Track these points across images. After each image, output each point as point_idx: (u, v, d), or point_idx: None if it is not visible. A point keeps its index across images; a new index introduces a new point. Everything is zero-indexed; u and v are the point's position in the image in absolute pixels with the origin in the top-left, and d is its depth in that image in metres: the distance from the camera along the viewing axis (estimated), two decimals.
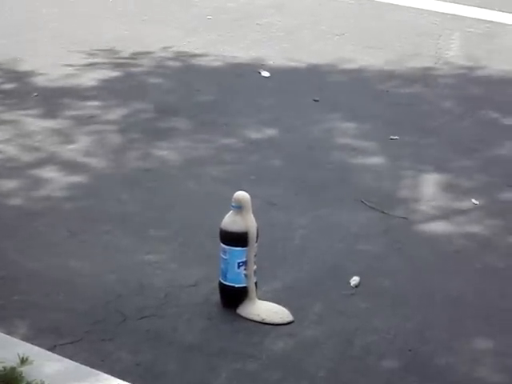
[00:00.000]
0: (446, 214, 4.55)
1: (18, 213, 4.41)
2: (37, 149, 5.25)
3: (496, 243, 4.27)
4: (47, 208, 4.47)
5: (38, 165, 5.02)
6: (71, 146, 5.28)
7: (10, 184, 4.75)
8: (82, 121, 5.73)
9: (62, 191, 4.68)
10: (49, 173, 4.90)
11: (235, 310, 3.53)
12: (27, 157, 5.12)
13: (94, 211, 4.45)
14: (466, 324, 3.53)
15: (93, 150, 5.24)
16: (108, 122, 5.73)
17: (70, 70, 6.74)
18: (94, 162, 5.08)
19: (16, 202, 4.55)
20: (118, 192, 4.69)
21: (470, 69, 7.11)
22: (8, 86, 6.41)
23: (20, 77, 6.59)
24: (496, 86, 6.75)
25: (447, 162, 5.23)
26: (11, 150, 5.20)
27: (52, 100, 6.10)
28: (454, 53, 7.52)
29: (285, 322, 3.47)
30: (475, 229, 4.40)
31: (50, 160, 5.09)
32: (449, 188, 4.87)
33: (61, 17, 8.13)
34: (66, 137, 5.45)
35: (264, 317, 3.48)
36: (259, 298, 3.58)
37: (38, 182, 4.79)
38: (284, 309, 3.53)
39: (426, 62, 7.22)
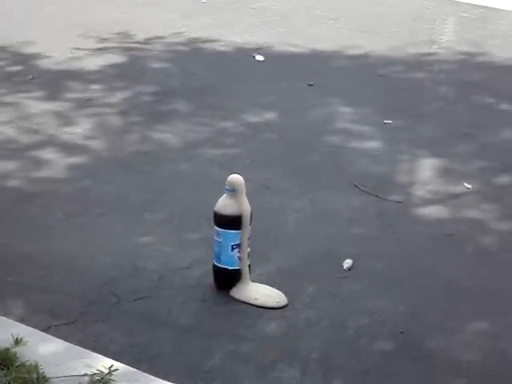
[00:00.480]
0: (439, 198, 4.57)
1: (15, 195, 4.42)
2: (36, 131, 5.27)
3: (489, 227, 4.30)
4: (44, 190, 4.49)
5: (37, 147, 5.04)
6: (71, 129, 5.30)
7: (9, 165, 4.76)
8: (83, 103, 5.75)
9: (60, 173, 4.70)
10: (47, 155, 4.92)
11: (228, 293, 3.55)
12: (27, 139, 5.14)
13: (90, 194, 4.47)
14: (458, 307, 3.55)
15: (92, 133, 5.26)
16: (108, 105, 5.74)
17: (69, 53, 6.75)
18: (93, 144, 5.10)
19: (13, 183, 4.56)
20: (115, 174, 4.71)
21: (465, 54, 7.12)
22: (11, 69, 6.42)
23: (23, 59, 6.60)
24: (490, 70, 6.77)
25: (442, 147, 5.25)
26: (11, 132, 5.22)
27: (53, 83, 6.12)
28: (448, 37, 7.54)
29: (279, 305, 3.49)
30: (469, 213, 4.43)
31: (50, 142, 5.11)
32: (443, 172, 4.89)
33: (56, 0, 8.15)
34: (66, 119, 5.47)
35: (259, 300, 3.50)
36: (253, 281, 3.60)
37: (37, 164, 4.81)
38: (279, 292, 3.55)
39: (421, 47, 7.23)
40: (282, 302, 3.51)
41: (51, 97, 5.87)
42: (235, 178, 3.55)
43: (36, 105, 5.70)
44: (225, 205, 3.53)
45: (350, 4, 8.61)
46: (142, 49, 7.03)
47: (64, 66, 6.49)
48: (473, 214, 4.42)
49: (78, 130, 5.30)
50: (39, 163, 4.83)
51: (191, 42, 7.30)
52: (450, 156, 5.12)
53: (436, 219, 4.33)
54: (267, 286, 3.60)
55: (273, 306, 3.48)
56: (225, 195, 3.54)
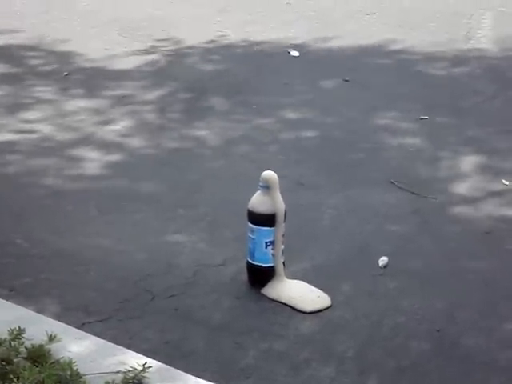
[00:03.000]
0: (477, 195, 4.51)
1: (50, 191, 4.44)
2: (73, 128, 5.30)
3: None
4: (79, 187, 4.51)
5: (74, 144, 5.07)
6: (108, 126, 5.33)
7: (45, 163, 4.79)
8: (119, 101, 5.77)
9: (95, 170, 4.72)
10: (84, 152, 4.95)
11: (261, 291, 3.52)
12: (63, 136, 5.17)
13: (124, 190, 4.47)
14: (496, 305, 3.49)
15: (129, 130, 5.29)
16: (144, 103, 5.77)
17: (105, 50, 6.78)
18: (129, 141, 5.12)
19: (49, 181, 4.58)
20: (150, 172, 4.71)
21: (502, 49, 7.04)
22: (47, 67, 6.46)
23: (60, 57, 6.64)
24: None
25: (480, 143, 5.18)
26: (48, 130, 5.25)
27: (90, 80, 6.16)
28: (486, 32, 7.46)
29: (316, 309, 3.40)
30: (507, 210, 4.36)
31: (86, 139, 5.14)
32: (481, 169, 4.83)
33: None
34: (102, 117, 5.50)
35: (294, 302, 3.43)
36: (287, 278, 3.57)
37: (73, 162, 4.83)
38: (318, 291, 3.48)
39: (458, 42, 7.17)
40: (318, 304, 3.43)
41: (88, 94, 5.90)
42: (269, 174, 3.52)
43: (73, 102, 5.73)
44: (259, 202, 3.51)
45: None
46: (176, 45, 7.04)
47: (100, 64, 6.52)
48: (511, 211, 4.35)
49: (115, 127, 5.32)
50: (75, 160, 4.85)
51: (226, 38, 7.29)
52: (489, 152, 5.06)
53: (473, 216, 4.27)
54: (306, 285, 3.55)
55: (309, 310, 3.40)
56: (259, 192, 3.52)
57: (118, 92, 5.93)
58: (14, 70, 6.46)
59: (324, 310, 3.40)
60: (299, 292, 3.51)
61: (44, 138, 5.12)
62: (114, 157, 4.90)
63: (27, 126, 5.31)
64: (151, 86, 6.09)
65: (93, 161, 4.83)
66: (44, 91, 5.94)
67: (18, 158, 4.87)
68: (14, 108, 5.64)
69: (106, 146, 5.04)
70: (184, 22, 7.68)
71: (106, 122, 5.40)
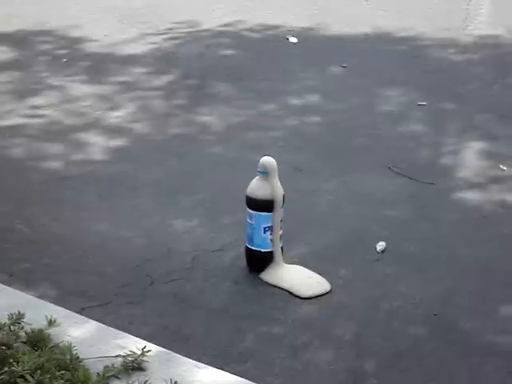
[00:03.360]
0: (474, 180, 4.52)
1: (51, 177, 4.46)
2: (80, 114, 5.32)
3: None
4: (81, 172, 4.53)
5: (80, 129, 5.09)
6: (114, 112, 5.36)
7: (50, 147, 4.83)
8: (126, 87, 5.79)
9: (99, 155, 4.74)
10: (89, 137, 4.97)
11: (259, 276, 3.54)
12: (70, 121, 5.20)
13: (126, 176, 4.50)
14: (492, 289, 3.51)
15: (135, 116, 5.31)
16: (150, 89, 5.80)
17: (107, 37, 6.79)
18: (134, 127, 5.15)
19: (51, 165, 4.61)
20: (152, 157, 4.74)
21: (499, 35, 7.05)
22: (53, 52, 6.48)
23: (65, 43, 6.66)
24: None
25: (478, 129, 5.20)
26: (55, 115, 5.28)
27: (96, 66, 6.19)
28: (483, 18, 7.47)
29: (314, 295, 3.42)
30: (504, 195, 4.37)
31: (92, 125, 5.16)
32: (479, 155, 4.84)
33: None
34: (109, 102, 5.52)
35: (292, 287, 3.45)
36: (285, 263, 3.59)
37: (77, 147, 4.86)
38: (317, 278, 3.50)
39: (456, 28, 7.17)
40: (316, 289, 3.45)
41: (94, 80, 5.92)
42: (267, 160, 3.53)
43: (79, 88, 5.75)
44: (257, 187, 3.52)
45: None
46: (177, 32, 7.04)
47: (104, 50, 6.53)
48: (509, 196, 4.37)
49: (121, 113, 5.34)
50: (80, 145, 4.87)
51: (225, 24, 7.30)
52: (487, 138, 5.07)
53: (471, 202, 4.29)
54: (304, 270, 3.57)
55: (307, 295, 3.42)
56: (257, 177, 3.53)
57: (125, 78, 5.95)
58: (20, 56, 6.47)
59: (322, 295, 3.42)
60: (297, 277, 3.53)
61: (51, 123, 5.15)
62: (119, 142, 4.92)
63: (33, 112, 5.33)
64: (155, 73, 6.10)
65: (98, 146, 4.86)
66: (51, 77, 5.96)
67: (22, 142, 4.89)
68: (21, 93, 5.66)
69: (112, 131, 5.06)
70: (183, 9, 7.68)
71: (113, 108, 5.42)
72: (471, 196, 4.34)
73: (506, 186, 4.47)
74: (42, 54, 6.50)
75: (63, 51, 6.50)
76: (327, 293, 3.44)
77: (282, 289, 3.45)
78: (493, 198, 4.34)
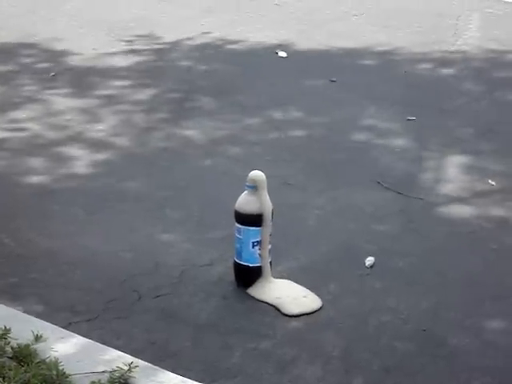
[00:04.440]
0: (463, 195, 4.53)
1: (37, 191, 4.44)
2: (62, 127, 5.31)
3: None
4: (66, 186, 4.51)
5: (62, 143, 5.07)
6: (96, 125, 5.33)
7: (33, 162, 4.80)
8: (108, 100, 5.77)
9: (83, 170, 4.72)
10: (72, 151, 4.95)
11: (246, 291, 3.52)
12: (52, 135, 5.18)
13: (112, 190, 4.47)
14: (480, 304, 3.51)
15: (117, 130, 5.30)
16: (133, 102, 5.78)
17: (93, 50, 6.78)
18: (117, 140, 5.13)
19: (36, 179, 4.58)
20: (138, 171, 4.72)
21: (489, 50, 7.08)
22: (37, 66, 6.47)
23: (49, 56, 6.65)
24: None
25: (466, 144, 5.21)
26: (37, 128, 5.26)
27: (79, 80, 6.17)
28: (472, 34, 7.49)
29: (301, 313, 3.39)
30: (492, 210, 4.38)
31: (75, 138, 5.14)
32: (467, 169, 4.85)
33: None
34: (91, 116, 5.51)
35: (279, 305, 3.42)
36: (275, 277, 3.58)
37: (61, 161, 4.84)
38: (307, 294, 3.50)
39: (445, 43, 7.19)
40: (304, 308, 3.42)
41: (77, 94, 5.90)
42: (256, 174, 3.52)
43: (62, 101, 5.73)
44: (245, 201, 3.51)
45: (375, 0, 8.57)
46: (164, 46, 7.04)
47: (89, 63, 6.52)
48: (496, 211, 4.37)
49: (104, 126, 5.32)
50: (63, 159, 4.85)
51: (213, 38, 7.30)
52: (474, 153, 5.08)
53: (459, 216, 4.29)
54: (294, 285, 3.55)
55: (294, 313, 3.39)
56: (246, 192, 3.52)
57: (108, 92, 5.93)
58: (3, 68, 6.45)
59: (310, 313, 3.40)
60: (286, 294, 3.51)
61: (33, 136, 5.13)
62: (103, 156, 4.90)
63: (16, 125, 5.31)
64: (139, 86, 6.09)
65: (81, 160, 4.83)
66: (34, 90, 5.94)
67: (5, 156, 4.86)
68: (3, 107, 5.64)
69: (94, 145, 5.04)
70: (171, 23, 7.68)
71: (95, 121, 5.40)
72: (459, 211, 4.34)
73: (494, 200, 4.48)
74: (27, 67, 6.48)
75: (48, 64, 6.48)
76: (316, 311, 3.41)
77: (270, 304, 3.44)
78: (481, 212, 4.34)
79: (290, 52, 6.91)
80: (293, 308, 3.41)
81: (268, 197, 3.51)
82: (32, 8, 7.99)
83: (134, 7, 8.14)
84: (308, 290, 3.52)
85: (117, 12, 7.97)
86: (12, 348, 2.74)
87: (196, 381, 2.79)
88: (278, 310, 3.40)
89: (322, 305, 3.43)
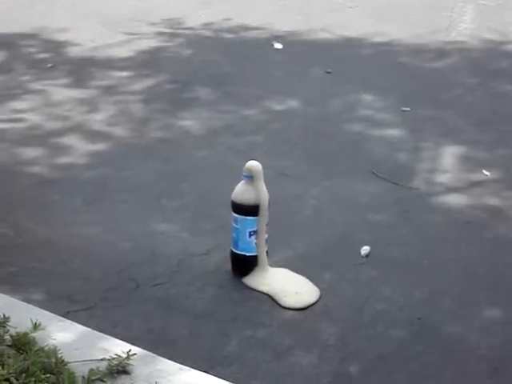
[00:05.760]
0: (458, 186, 4.55)
1: (36, 181, 4.45)
2: (61, 118, 5.32)
3: (508, 214, 4.27)
4: (65, 176, 4.53)
5: (61, 133, 5.08)
6: (95, 116, 5.35)
7: (32, 152, 4.81)
8: (107, 91, 5.79)
9: (81, 160, 4.73)
10: (70, 141, 4.97)
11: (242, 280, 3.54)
12: (51, 125, 5.19)
13: (109, 180, 4.49)
14: (475, 293, 3.54)
15: (115, 120, 5.31)
16: (131, 93, 5.80)
17: (91, 42, 6.79)
18: (115, 131, 5.14)
19: (35, 169, 4.60)
20: (135, 161, 4.74)
21: (484, 41, 7.09)
22: (35, 56, 6.47)
23: (47, 48, 6.65)
24: (508, 58, 6.74)
25: (461, 134, 5.23)
26: (36, 119, 5.27)
27: (77, 70, 6.18)
28: (467, 25, 7.51)
29: (296, 307, 3.40)
30: (488, 200, 4.41)
31: (73, 129, 5.16)
32: (462, 160, 4.88)
33: None
34: (90, 106, 5.52)
35: (275, 295, 3.43)
36: (271, 266, 3.60)
37: (59, 150, 4.85)
38: (304, 285, 3.52)
39: (440, 35, 7.21)
40: (299, 301, 3.43)
41: (76, 84, 5.92)
42: (253, 164, 3.54)
43: (61, 92, 5.74)
44: (242, 191, 3.53)
45: None
46: (162, 38, 7.05)
47: (88, 54, 6.53)
48: (492, 201, 4.40)
49: (102, 117, 5.34)
50: (62, 149, 4.86)
51: (211, 30, 7.31)
52: (469, 143, 5.10)
53: (454, 206, 4.32)
54: (291, 274, 3.58)
55: (284, 305, 3.40)
56: (242, 182, 3.54)
57: (106, 82, 5.95)
58: (2, 59, 6.46)
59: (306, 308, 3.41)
60: (281, 284, 3.52)
61: (32, 127, 5.14)
62: (101, 146, 4.92)
63: (15, 116, 5.32)
64: (137, 77, 6.10)
65: (79, 150, 4.85)
66: (32, 81, 5.95)
67: (4, 147, 4.88)
68: (2, 98, 5.65)
69: (93, 135, 5.06)
70: (169, 14, 7.68)
71: (94, 112, 5.42)
72: (455, 201, 4.37)
73: (489, 190, 4.51)
74: (25, 58, 6.49)
75: (46, 55, 6.49)
76: (311, 305, 3.41)
77: (266, 294, 3.47)
78: (476, 202, 4.37)
79: (286, 44, 6.92)
80: (285, 301, 3.41)
81: (264, 187, 3.53)
82: (29, 3, 7.99)
83: (131, 0, 8.14)
84: (305, 279, 3.54)
85: (113, 4, 7.97)
86: (11, 336, 2.76)
87: (193, 368, 2.81)
88: (274, 300, 3.43)
89: (320, 295, 3.45)
